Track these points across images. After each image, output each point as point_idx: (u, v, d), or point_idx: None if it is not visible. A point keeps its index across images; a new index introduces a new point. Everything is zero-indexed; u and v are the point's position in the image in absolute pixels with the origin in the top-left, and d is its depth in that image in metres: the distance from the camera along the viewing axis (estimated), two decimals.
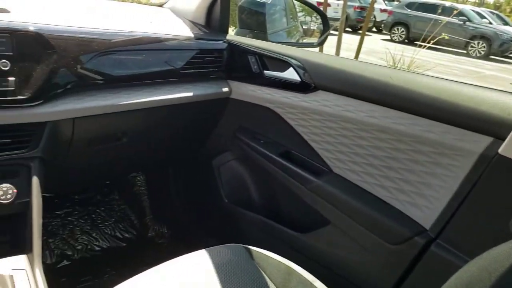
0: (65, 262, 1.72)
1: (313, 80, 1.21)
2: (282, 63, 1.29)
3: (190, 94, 1.31)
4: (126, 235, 1.92)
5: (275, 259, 1.06)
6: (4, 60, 0.92)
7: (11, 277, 0.95)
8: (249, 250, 1.08)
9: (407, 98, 1.04)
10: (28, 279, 0.98)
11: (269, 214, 1.45)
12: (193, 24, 1.45)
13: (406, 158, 1.06)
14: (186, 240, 1.92)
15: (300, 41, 1.83)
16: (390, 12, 15.03)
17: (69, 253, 1.75)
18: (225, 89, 1.42)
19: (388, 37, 14.56)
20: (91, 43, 1.06)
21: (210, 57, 1.36)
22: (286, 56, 1.27)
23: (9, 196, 1.00)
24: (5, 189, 0.99)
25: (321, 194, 1.21)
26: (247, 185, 1.56)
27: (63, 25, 1.04)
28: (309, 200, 1.26)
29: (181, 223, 1.92)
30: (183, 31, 1.34)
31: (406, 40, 13.70)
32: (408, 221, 1.07)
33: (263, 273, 1.02)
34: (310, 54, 1.28)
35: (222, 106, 1.48)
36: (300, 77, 1.23)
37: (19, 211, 1.04)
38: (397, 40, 13.93)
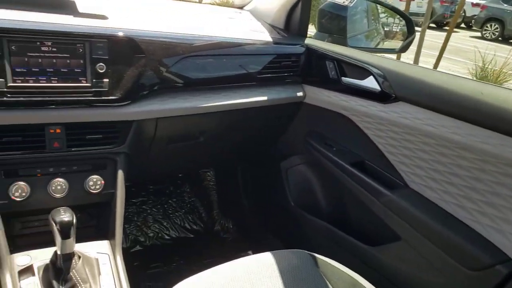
0: (138, 247, 1.84)
1: (394, 91, 1.16)
2: (361, 70, 1.25)
3: (265, 98, 1.32)
4: (194, 226, 2.01)
5: (340, 269, 1.05)
6: (101, 63, 1.00)
7: (97, 259, 1.05)
8: (314, 257, 1.08)
9: (498, 117, 0.96)
10: (110, 263, 1.07)
11: (336, 222, 1.43)
12: (272, 27, 1.47)
13: (492, 180, 0.98)
14: (249, 237, 1.96)
15: (381, 45, 1.76)
16: (483, 7, 13.63)
17: (142, 239, 1.87)
18: (300, 94, 1.42)
19: (478, 34, 13.32)
20: (176, 48, 1.12)
21: (287, 62, 1.37)
22: (367, 63, 1.24)
23: (98, 187, 1.09)
24: (95, 180, 1.09)
25: (394, 208, 1.17)
26: (314, 190, 1.55)
27: (153, 30, 1.11)
28: (380, 213, 1.22)
29: (246, 220, 1.96)
30: (262, 35, 1.36)
31: (499, 38, 12.48)
32: (490, 247, 1.00)
33: (327, 282, 1.01)
34: (392, 63, 1.23)
35: (295, 110, 1.48)
36: (380, 86, 1.19)
37: (105, 200, 1.13)
38: (489, 37, 12.70)
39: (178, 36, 1.14)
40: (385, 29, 1.88)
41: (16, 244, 1.04)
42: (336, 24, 1.45)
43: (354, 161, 1.30)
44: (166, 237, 1.93)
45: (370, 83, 1.22)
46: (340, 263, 1.07)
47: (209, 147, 1.45)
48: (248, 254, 1.88)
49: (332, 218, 1.47)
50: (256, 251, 1.88)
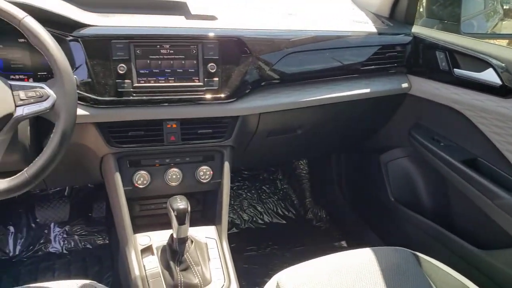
0: (234, 230, 1.95)
1: None
2: (478, 62, 1.15)
3: (369, 90, 1.29)
4: (286, 213, 2.07)
5: (446, 271, 1.00)
6: (212, 64, 1.06)
7: (206, 244, 1.14)
8: (416, 257, 1.04)
9: None
10: (217, 248, 1.16)
11: (441, 221, 1.36)
12: (376, 16, 1.40)
13: None
14: (342, 228, 1.96)
15: (499, 26, 1.58)
16: None
17: (238, 222, 1.98)
18: (405, 85, 1.36)
19: None
20: (280, 45, 1.14)
21: (392, 52, 1.31)
22: (485, 54, 1.13)
23: (207, 176, 1.18)
24: (204, 170, 1.18)
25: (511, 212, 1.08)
26: (417, 186, 1.48)
27: (259, 28, 1.14)
28: (494, 216, 1.13)
29: (340, 210, 1.96)
30: (366, 26, 1.31)
31: None
32: None
33: (432, 283, 0.98)
34: None
35: (398, 101, 1.42)
36: (501, 79, 1.09)
37: (212, 188, 1.22)
38: None
39: (282, 33, 1.15)
40: (505, 6, 1.69)
41: (135, 224, 1.17)
42: (449, 10, 1.34)
43: (465, 159, 1.21)
44: (260, 221, 2.01)
45: (488, 75, 1.11)
46: (446, 264, 1.02)
47: (306, 139, 1.46)
48: (341, 245, 1.90)
49: (436, 216, 1.40)
50: (350, 242, 1.89)
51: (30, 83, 0.84)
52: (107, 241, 1.83)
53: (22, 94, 0.82)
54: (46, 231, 1.82)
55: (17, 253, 1.75)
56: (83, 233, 1.83)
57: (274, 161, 2.02)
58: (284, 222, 2.02)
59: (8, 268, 1.68)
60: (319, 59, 1.21)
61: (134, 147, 1.11)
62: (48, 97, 0.82)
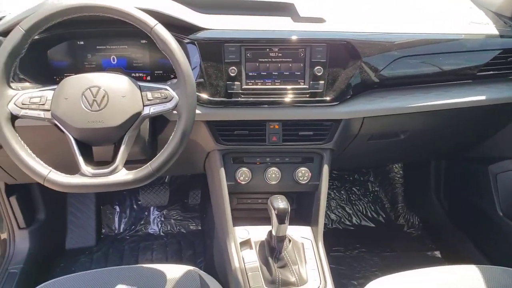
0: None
1: None
2: None
3: (484, 97, 1.19)
4: (376, 216, 2.01)
5: None
6: (319, 67, 1.06)
7: (302, 244, 1.17)
8: None
9: None
10: (313, 248, 1.17)
11: None
12: (497, 16, 1.29)
13: None
14: (437, 237, 1.85)
15: None
16: None
17: (325, 221, 1.97)
18: None
19: None
20: (391, 49, 1.10)
21: None
22: None
23: (305, 178, 1.20)
24: (303, 171, 1.19)
25: None
26: None
27: (369, 31, 1.11)
28: None
29: (435, 218, 1.85)
30: (485, 28, 1.21)
31: None
32: None
33: None
34: None
35: None
36: None
37: (310, 190, 1.23)
38: None
39: (393, 36, 1.11)
40: None
41: (232, 216, 1.22)
42: None
43: None
44: (348, 222, 1.99)
45: None
46: None
47: (408, 145, 1.40)
48: (434, 255, 1.81)
49: None
50: (445, 254, 1.78)
51: (156, 85, 0.92)
52: (200, 227, 1.95)
53: (149, 94, 0.90)
54: (146, 213, 1.99)
55: (121, 231, 1.95)
56: (178, 218, 1.97)
57: (369, 164, 1.97)
58: (373, 225, 1.97)
59: (114, 243, 1.87)
60: (431, 63, 1.15)
61: (238, 145, 1.16)
62: (172, 98, 0.90)
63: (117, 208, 1.98)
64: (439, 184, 1.79)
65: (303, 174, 1.19)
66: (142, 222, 1.97)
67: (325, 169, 1.20)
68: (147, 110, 0.90)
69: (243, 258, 1.12)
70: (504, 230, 1.41)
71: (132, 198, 2.00)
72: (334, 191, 2.04)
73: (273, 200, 1.02)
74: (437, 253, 1.80)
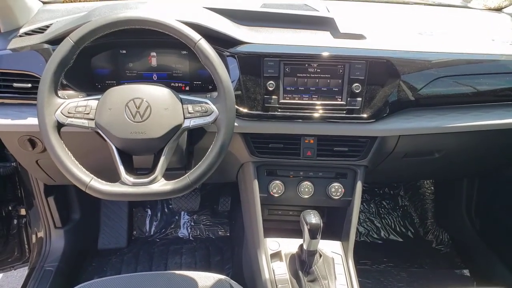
0: None
1: None
2: None
3: None
4: (405, 231, 1.99)
5: None
6: (357, 84, 1.07)
7: (333, 259, 1.17)
8: None
9: None
10: (343, 264, 1.18)
11: None
12: None
13: None
14: (466, 255, 1.82)
15: None
16: None
17: None
18: None
19: None
20: (431, 68, 1.09)
21: None
22: None
23: (338, 193, 1.20)
24: (336, 187, 1.20)
25: None
26: None
27: (409, 49, 1.10)
28: None
29: (465, 236, 1.82)
30: None
31: None
32: None
33: None
34: None
35: None
36: None
37: (342, 205, 1.24)
38: None
39: (434, 55, 1.11)
40: None
41: (264, 227, 1.23)
42: None
43: None
44: (376, 236, 1.97)
45: None
46: None
47: (443, 163, 1.39)
48: (463, 273, 1.78)
49: None
50: (474, 273, 1.74)
51: (197, 98, 0.94)
52: (228, 234, 1.98)
53: (190, 108, 0.93)
54: (176, 217, 2.04)
55: (151, 234, 2.00)
56: (208, 223, 2.01)
57: (401, 180, 1.96)
58: (401, 240, 1.95)
59: (144, 245, 1.93)
60: (470, 83, 1.13)
61: (272, 158, 1.18)
62: (212, 112, 0.92)
63: (149, 211, 2.04)
64: (470, 201, 1.76)
65: (336, 189, 1.20)
66: (172, 226, 2.02)
67: (359, 185, 1.21)
68: (187, 123, 0.92)
69: (273, 270, 1.14)
70: None
71: (164, 202, 2.05)
72: (364, 204, 2.03)
73: (305, 215, 1.03)
74: (466, 272, 1.77)
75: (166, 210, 2.04)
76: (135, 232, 1.99)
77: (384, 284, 1.69)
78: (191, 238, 1.98)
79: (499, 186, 1.61)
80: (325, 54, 1.06)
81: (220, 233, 2.00)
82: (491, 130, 1.18)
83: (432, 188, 2.01)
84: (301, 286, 1.08)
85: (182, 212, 2.03)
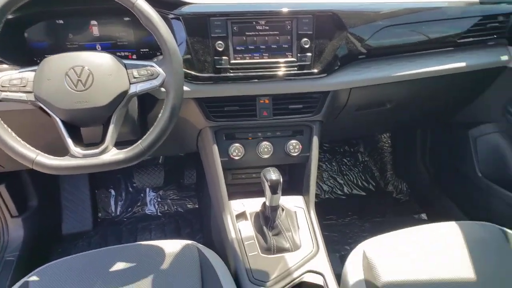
0: (314, 200, 2.00)
1: None
2: None
3: (464, 64, 1.23)
4: (367, 185, 2.07)
5: None
6: (305, 39, 1.08)
7: (295, 212, 1.21)
8: (504, 232, 1.03)
9: None
10: (305, 216, 1.22)
11: None
12: None
13: None
14: (424, 201, 1.93)
15: None
16: None
17: (318, 192, 2.03)
18: (504, 58, 1.28)
19: None
20: (376, 19, 1.12)
21: (493, 23, 1.23)
22: None
23: (296, 150, 1.23)
24: (294, 144, 1.22)
25: None
26: (508, 162, 1.41)
27: (355, 1, 1.12)
28: None
29: (421, 184, 1.92)
30: None
31: None
32: None
33: None
34: None
35: (495, 75, 1.34)
36: None
37: (301, 162, 1.27)
38: None
39: (378, 5, 1.13)
40: None
41: (228, 191, 1.25)
42: None
43: None
44: (339, 192, 2.04)
45: None
46: None
47: (395, 113, 1.44)
48: (421, 217, 1.89)
49: None
50: (430, 216, 1.86)
51: (142, 62, 0.91)
52: (197, 206, 1.99)
53: (135, 72, 0.89)
54: (142, 195, 2.02)
55: (118, 213, 1.97)
56: (175, 198, 2.01)
57: (358, 134, 2.02)
58: (364, 194, 2.04)
59: (112, 226, 1.90)
60: (414, 32, 1.17)
61: (229, 121, 1.18)
62: (158, 75, 0.89)
63: (112, 192, 2.01)
64: (424, 151, 1.85)
65: (294, 146, 1.22)
66: (138, 204, 2.00)
67: (315, 140, 1.24)
68: (133, 88, 0.89)
69: (239, 230, 1.16)
70: (482, 189, 1.48)
71: (127, 180, 2.02)
72: (326, 163, 2.09)
73: (265, 172, 1.05)
74: (424, 216, 1.88)
75: (130, 189, 2.02)
76: (100, 214, 1.96)
77: (350, 235, 1.77)
78: (159, 214, 1.98)
79: (447, 133, 1.70)
80: (271, 10, 1.06)
81: (189, 206, 2.00)
82: (435, 77, 1.23)
83: (390, 141, 2.09)
84: (266, 240, 1.11)
85: (148, 189, 2.01)
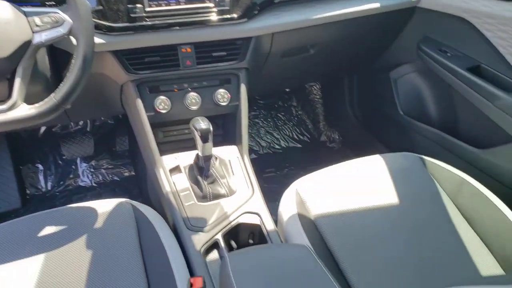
0: (253, 156, 2.04)
1: None
2: None
3: (378, 5, 1.28)
4: (302, 137, 2.13)
5: (449, 170, 1.09)
6: None
7: (229, 161, 1.22)
8: (422, 159, 1.13)
9: None
10: (240, 164, 1.23)
11: (445, 128, 1.43)
12: None
13: None
14: (356, 146, 2.03)
15: None
16: None
17: (256, 148, 2.06)
18: None
19: None
20: None
21: None
22: None
23: (225, 99, 1.22)
24: (222, 93, 1.21)
25: (510, 111, 1.12)
26: (424, 98, 1.52)
27: None
28: (494, 117, 1.18)
29: (352, 130, 2.01)
30: None
31: None
32: None
33: (435, 181, 1.07)
34: None
35: (407, 15, 1.41)
36: None
37: (231, 111, 1.27)
38: None
39: None
40: None
41: (160, 149, 1.23)
42: None
43: (470, 66, 1.24)
44: (277, 146, 2.09)
45: None
46: (450, 165, 1.10)
47: (319, 59, 1.48)
48: None
49: (441, 124, 1.47)
50: (361, 157, 1.96)
51: (44, 9, 0.85)
52: (133, 173, 1.94)
53: (37, 20, 0.83)
54: (73, 166, 1.92)
55: (49, 188, 1.87)
56: (109, 167, 1.94)
57: (288, 84, 2.05)
58: (300, 146, 2.10)
59: (44, 202, 1.80)
60: None
61: (151, 73, 1.14)
62: (63, 21, 0.83)
63: (40, 166, 1.89)
64: (352, 97, 1.94)
65: (222, 95, 1.21)
66: (71, 177, 1.90)
67: (243, 88, 1.24)
68: (38, 38, 0.83)
69: (173, 183, 1.15)
70: (405, 126, 1.60)
71: (55, 153, 1.91)
72: (262, 119, 2.12)
73: (194, 122, 1.04)
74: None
75: (59, 161, 1.91)
76: (29, 191, 1.84)
77: (288, 184, 1.83)
78: (94, 184, 1.90)
79: (371, 77, 1.78)
80: None
81: (125, 174, 1.94)
82: (357, 18, 1.27)
83: (320, 93, 2.16)
84: (202, 189, 1.12)
85: (78, 160, 1.92)
